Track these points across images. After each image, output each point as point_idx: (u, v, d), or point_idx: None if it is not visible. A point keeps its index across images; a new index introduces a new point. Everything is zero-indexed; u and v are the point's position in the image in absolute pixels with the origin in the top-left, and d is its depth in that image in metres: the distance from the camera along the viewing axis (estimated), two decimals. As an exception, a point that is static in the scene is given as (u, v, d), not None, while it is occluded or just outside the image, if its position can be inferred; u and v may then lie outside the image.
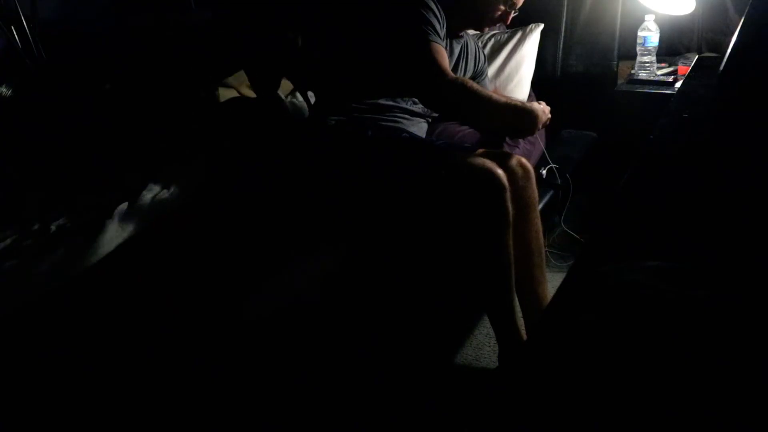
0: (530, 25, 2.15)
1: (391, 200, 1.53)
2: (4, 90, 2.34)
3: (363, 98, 1.66)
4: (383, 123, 1.65)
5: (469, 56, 1.79)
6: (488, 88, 1.92)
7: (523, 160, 1.58)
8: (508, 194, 1.42)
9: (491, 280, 1.49)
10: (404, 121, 1.68)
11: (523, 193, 1.56)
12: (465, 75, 1.79)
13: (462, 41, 1.75)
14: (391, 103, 1.67)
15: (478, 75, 1.86)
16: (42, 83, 2.48)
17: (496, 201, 1.41)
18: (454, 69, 1.74)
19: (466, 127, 1.92)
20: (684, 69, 2.10)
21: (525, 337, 1.54)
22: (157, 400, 1.08)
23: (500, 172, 1.41)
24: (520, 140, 1.91)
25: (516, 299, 1.54)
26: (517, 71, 2.09)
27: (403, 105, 1.69)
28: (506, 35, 2.16)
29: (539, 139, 1.95)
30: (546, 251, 2.10)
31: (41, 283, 1.28)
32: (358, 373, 1.47)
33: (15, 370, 1.11)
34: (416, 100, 1.69)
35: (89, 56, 2.51)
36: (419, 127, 1.73)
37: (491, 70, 2.06)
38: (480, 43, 2.05)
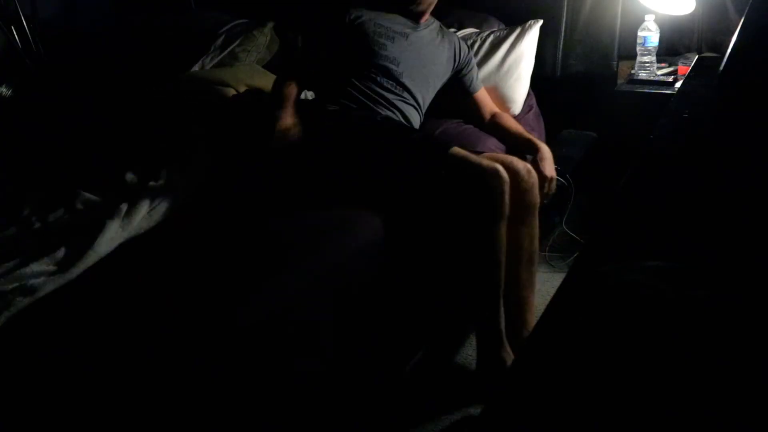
0: (529, 22, 2.15)
1: (392, 200, 1.53)
2: (4, 90, 2.34)
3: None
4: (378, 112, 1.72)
5: (429, 46, 1.81)
6: (477, 80, 1.95)
7: (530, 165, 1.61)
8: (508, 187, 1.46)
9: (481, 271, 1.50)
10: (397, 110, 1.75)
11: (526, 196, 1.58)
12: (430, 65, 1.81)
13: (421, 29, 1.80)
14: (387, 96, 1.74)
15: (464, 65, 1.89)
16: (42, 83, 2.48)
17: (494, 190, 1.45)
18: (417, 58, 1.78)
19: (470, 125, 1.93)
20: (684, 69, 2.10)
21: (505, 339, 1.53)
22: (157, 400, 1.08)
23: (502, 168, 1.47)
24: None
25: (502, 300, 1.54)
26: (516, 67, 2.09)
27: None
28: (505, 32, 2.16)
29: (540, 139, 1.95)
30: (546, 252, 2.10)
31: (41, 283, 1.28)
32: (358, 373, 1.47)
33: (15, 370, 1.11)
34: (411, 92, 1.75)
35: (89, 56, 2.52)
36: (411, 114, 1.78)
37: (490, 66, 2.06)
38: (469, 41, 2.05)
